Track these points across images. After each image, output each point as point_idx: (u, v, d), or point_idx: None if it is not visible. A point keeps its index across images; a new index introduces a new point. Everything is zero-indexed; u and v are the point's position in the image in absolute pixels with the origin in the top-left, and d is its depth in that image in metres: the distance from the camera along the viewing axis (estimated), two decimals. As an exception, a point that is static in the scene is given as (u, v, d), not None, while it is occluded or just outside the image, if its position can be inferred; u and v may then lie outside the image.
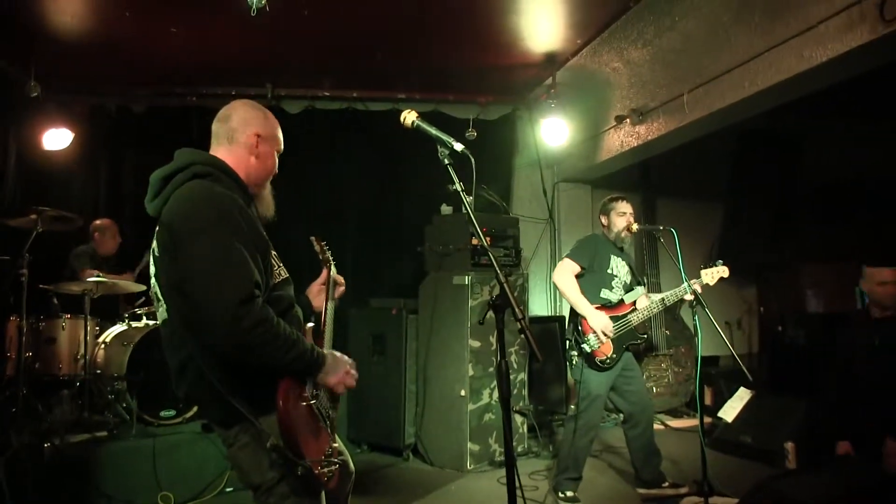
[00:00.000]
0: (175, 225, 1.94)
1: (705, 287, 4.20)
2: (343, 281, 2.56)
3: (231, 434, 2.00)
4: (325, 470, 1.98)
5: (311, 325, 2.28)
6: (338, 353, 2.13)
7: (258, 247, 2.00)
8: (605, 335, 4.14)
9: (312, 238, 2.61)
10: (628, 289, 4.42)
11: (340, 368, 2.10)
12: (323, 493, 2.08)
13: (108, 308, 5.35)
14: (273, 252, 2.14)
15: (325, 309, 2.42)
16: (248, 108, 2.25)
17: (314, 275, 2.56)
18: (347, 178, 6.77)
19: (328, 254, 2.57)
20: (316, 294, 2.49)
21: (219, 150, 2.18)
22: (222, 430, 2.03)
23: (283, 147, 2.30)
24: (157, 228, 2.03)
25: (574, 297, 4.25)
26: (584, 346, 4.17)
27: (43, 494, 3.94)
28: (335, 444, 2.13)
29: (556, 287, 4.44)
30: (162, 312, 2.06)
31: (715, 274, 4.23)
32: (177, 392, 2.07)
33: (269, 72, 6.26)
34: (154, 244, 2.05)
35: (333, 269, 2.54)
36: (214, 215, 1.92)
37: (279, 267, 2.16)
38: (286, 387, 1.92)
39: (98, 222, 5.74)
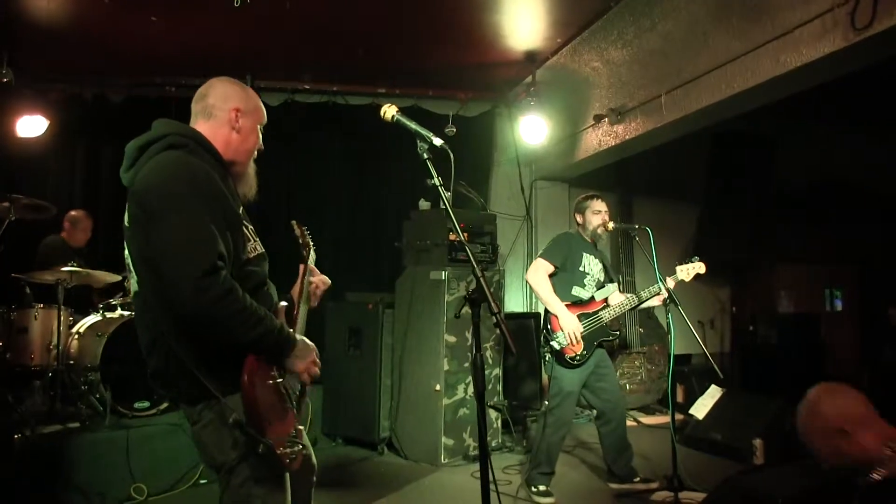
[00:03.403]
0: (146, 196, 1.91)
1: (680, 283, 4.25)
2: (317, 273, 2.49)
3: (196, 411, 1.98)
4: (288, 451, 1.95)
5: (284, 304, 2.23)
6: (307, 340, 2.11)
7: (228, 220, 1.97)
8: (573, 336, 4.18)
9: (293, 223, 2.57)
10: (601, 286, 4.47)
11: (308, 355, 2.07)
12: (287, 482, 2.05)
13: (82, 298, 5.29)
14: (249, 226, 2.12)
15: (301, 290, 2.37)
16: (226, 83, 2.22)
17: (292, 263, 2.50)
18: (326, 171, 6.77)
19: (308, 238, 2.53)
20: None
21: (197, 126, 2.15)
22: (187, 407, 2.00)
23: (265, 120, 2.27)
24: (128, 198, 2.00)
25: (546, 296, 4.29)
26: (554, 343, 4.22)
27: (14, 486, 3.89)
28: (300, 427, 2.10)
29: (530, 286, 4.48)
30: (133, 284, 2.04)
31: (690, 270, 4.28)
32: (147, 368, 2.04)
33: (250, 63, 6.23)
34: (126, 214, 2.02)
35: (313, 256, 2.50)
36: (185, 187, 1.90)
37: (254, 241, 2.13)
38: (252, 363, 1.90)
39: (73, 213, 5.67)
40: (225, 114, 2.15)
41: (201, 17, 5.05)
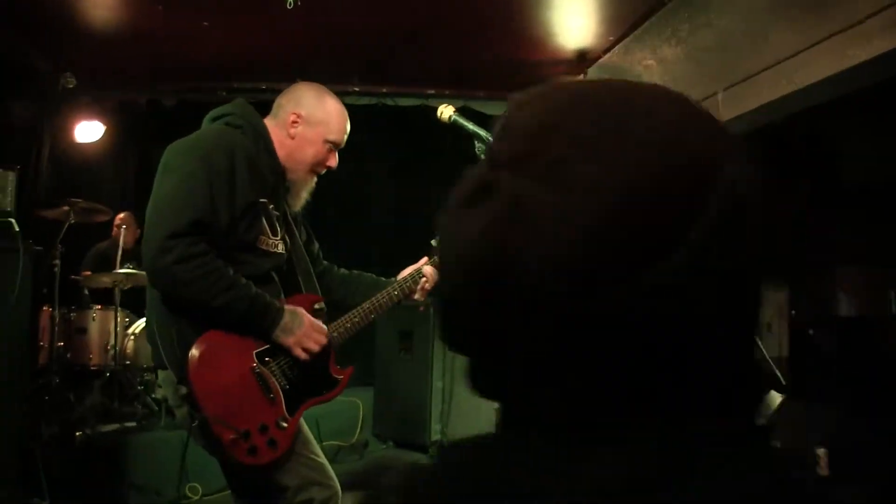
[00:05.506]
0: (164, 154, 1.96)
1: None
2: (430, 275, 2.47)
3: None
4: (233, 437, 1.84)
5: (318, 306, 2.13)
6: (302, 312, 2.00)
7: (237, 199, 1.90)
8: None
9: None
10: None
11: (297, 328, 1.95)
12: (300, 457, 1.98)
13: (138, 300, 5.37)
14: (277, 225, 2.05)
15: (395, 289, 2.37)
16: (305, 87, 2.18)
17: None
18: (376, 173, 6.77)
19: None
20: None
21: (266, 119, 2.15)
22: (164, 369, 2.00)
23: (338, 139, 2.19)
24: None
25: None
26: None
27: (74, 483, 3.97)
28: (285, 425, 1.94)
29: None
30: None
31: None
32: None
33: (299, 66, 6.25)
34: None
35: (429, 260, 2.48)
36: (195, 151, 1.91)
37: (278, 239, 2.05)
38: (213, 337, 1.86)
39: (120, 216, 5.68)
40: (286, 115, 2.12)
41: (252, 20, 5.09)
